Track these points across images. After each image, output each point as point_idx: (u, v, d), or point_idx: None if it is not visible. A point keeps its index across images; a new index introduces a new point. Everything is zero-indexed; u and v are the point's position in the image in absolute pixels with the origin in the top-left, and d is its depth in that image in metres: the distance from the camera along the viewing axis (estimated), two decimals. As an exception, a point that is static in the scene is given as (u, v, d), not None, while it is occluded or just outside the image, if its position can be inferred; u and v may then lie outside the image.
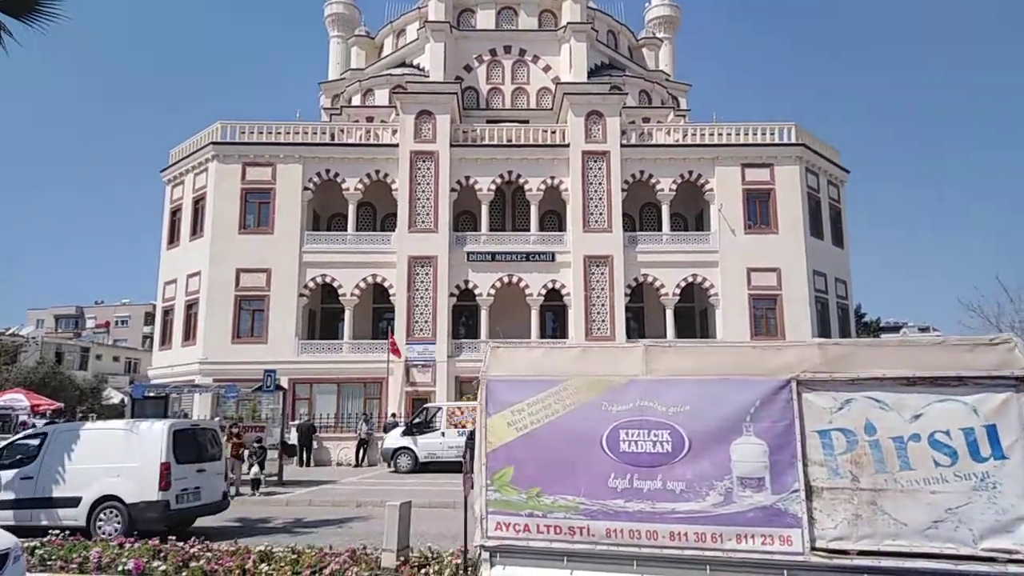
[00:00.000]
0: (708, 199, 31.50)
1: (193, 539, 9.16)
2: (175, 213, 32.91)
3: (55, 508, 10.98)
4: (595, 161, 31.15)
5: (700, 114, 54.85)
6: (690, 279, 30.65)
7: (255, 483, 17.00)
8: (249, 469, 17.08)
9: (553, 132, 32.09)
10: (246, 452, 17.23)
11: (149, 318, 62.74)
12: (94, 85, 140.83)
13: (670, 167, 31.34)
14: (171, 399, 21.66)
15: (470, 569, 7.77)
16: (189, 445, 11.81)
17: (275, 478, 18.34)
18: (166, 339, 32.43)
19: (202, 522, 12.48)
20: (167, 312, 32.58)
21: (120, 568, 8.21)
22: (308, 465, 23.79)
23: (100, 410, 38.74)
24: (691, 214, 34.46)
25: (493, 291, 30.38)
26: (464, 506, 8.49)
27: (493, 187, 31.34)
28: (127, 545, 9.03)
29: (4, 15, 11.61)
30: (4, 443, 13.19)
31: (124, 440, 11.37)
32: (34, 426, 26.96)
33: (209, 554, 8.45)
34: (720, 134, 31.80)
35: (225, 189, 30.38)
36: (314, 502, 15.91)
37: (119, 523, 10.80)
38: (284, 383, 23.43)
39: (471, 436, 6.82)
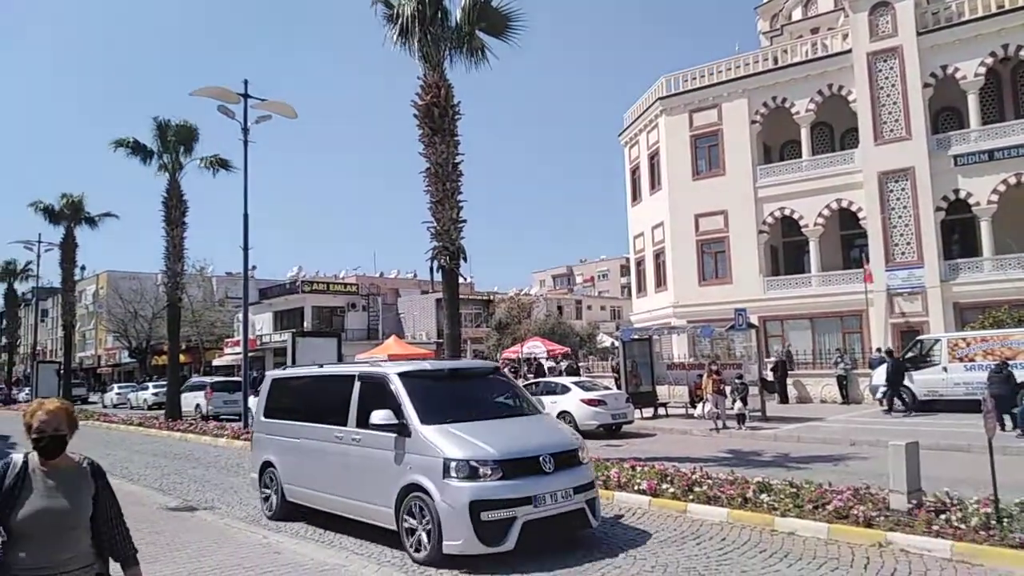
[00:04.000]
0: None
1: (694, 466, 10.07)
2: (634, 172, 35.80)
3: None
4: None
5: None
6: None
7: (740, 418, 17.67)
8: (732, 404, 17.81)
9: (1069, -23, 24.51)
10: (728, 388, 17.98)
11: (624, 270, 70.19)
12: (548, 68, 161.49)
13: None
14: (653, 340, 23.89)
15: (1005, 520, 6.76)
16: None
17: (758, 413, 18.69)
18: (641, 287, 35.79)
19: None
20: (639, 263, 35.98)
21: (635, 488, 9.52)
22: (785, 401, 23.54)
23: (596, 352, 45.08)
24: None
25: (995, 197, 25.07)
26: (989, 450, 7.41)
27: (982, 70, 25.63)
28: (638, 468, 10.35)
29: (486, 35, 14.21)
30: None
31: None
32: (552, 368, 32.92)
33: (710, 481, 9.15)
34: None
35: (675, 140, 31.66)
36: (803, 438, 15.69)
37: None
38: (754, 320, 23.55)
39: (998, 370, 5.88)
